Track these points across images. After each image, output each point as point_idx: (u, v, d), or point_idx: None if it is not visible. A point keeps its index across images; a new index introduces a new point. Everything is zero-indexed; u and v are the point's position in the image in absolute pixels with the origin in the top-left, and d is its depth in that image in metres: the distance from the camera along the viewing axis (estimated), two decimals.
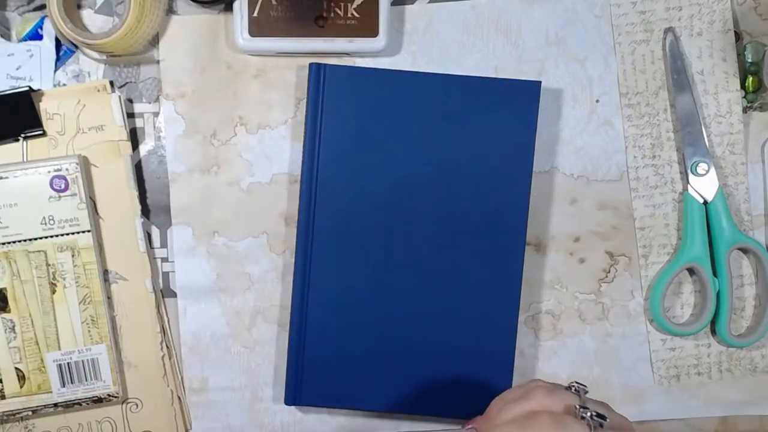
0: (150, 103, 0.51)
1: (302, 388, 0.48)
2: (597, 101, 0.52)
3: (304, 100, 0.51)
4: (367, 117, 0.46)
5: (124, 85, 0.51)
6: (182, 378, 0.51)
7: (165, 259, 0.52)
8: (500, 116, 0.47)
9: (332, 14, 0.49)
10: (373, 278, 0.46)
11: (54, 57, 0.51)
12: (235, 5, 0.49)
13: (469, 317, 0.47)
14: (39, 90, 0.50)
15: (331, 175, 0.46)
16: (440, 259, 0.46)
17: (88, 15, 0.51)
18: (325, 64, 0.47)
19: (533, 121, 0.47)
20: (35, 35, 0.51)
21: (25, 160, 0.49)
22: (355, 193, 0.46)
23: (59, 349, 0.49)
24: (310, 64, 0.47)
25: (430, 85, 0.47)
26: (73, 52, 0.51)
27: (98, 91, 0.50)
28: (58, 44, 0.51)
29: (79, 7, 0.51)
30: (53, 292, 0.49)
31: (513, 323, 0.47)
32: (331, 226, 0.46)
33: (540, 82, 0.47)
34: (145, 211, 0.51)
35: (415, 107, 0.46)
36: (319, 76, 0.47)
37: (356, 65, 0.49)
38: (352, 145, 0.46)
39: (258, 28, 0.49)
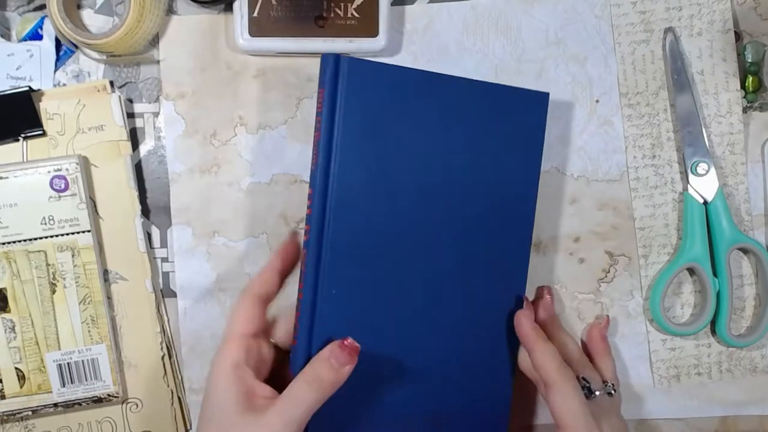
0: (150, 103, 0.51)
1: None
2: (597, 101, 0.52)
3: (304, 100, 0.51)
4: (385, 116, 0.43)
5: (124, 85, 0.51)
6: (182, 378, 0.51)
7: (165, 259, 0.52)
8: (511, 123, 0.45)
9: (332, 14, 0.49)
10: (384, 284, 0.44)
11: (54, 57, 0.51)
12: (235, 5, 0.49)
13: (474, 326, 0.46)
14: (39, 90, 0.50)
15: (347, 175, 0.43)
16: (449, 264, 0.45)
17: (88, 15, 0.51)
18: (345, 56, 0.42)
19: (541, 130, 0.46)
20: (35, 35, 0.51)
21: (25, 160, 0.49)
22: (370, 196, 0.44)
23: (59, 349, 0.49)
24: (325, 56, 0.42)
25: (446, 87, 0.44)
26: (73, 52, 0.51)
27: (98, 91, 0.50)
28: (58, 44, 0.51)
29: (79, 7, 0.51)
30: (53, 292, 0.49)
31: (512, 347, 0.46)
32: (345, 229, 0.44)
33: (548, 93, 0.46)
34: (145, 211, 0.51)
35: (431, 108, 0.44)
36: (337, 69, 0.42)
37: (375, 60, 0.45)
38: (370, 144, 0.43)
39: (258, 28, 0.49)
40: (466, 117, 0.44)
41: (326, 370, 0.39)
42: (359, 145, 0.43)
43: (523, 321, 0.44)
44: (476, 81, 0.45)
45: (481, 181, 0.45)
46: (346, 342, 0.40)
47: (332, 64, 0.42)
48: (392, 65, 0.44)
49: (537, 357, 0.43)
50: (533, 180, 0.46)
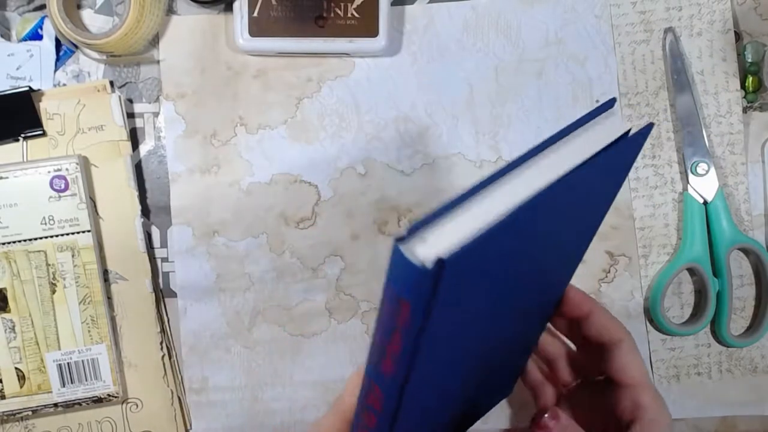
0: (150, 103, 0.51)
1: None
2: (597, 101, 0.52)
3: (304, 100, 0.51)
4: (482, 289, 0.30)
5: (124, 85, 0.51)
6: (182, 378, 0.51)
7: (165, 259, 0.52)
8: (599, 190, 0.34)
9: (332, 14, 0.49)
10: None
11: (54, 57, 0.51)
12: (235, 5, 0.49)
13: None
14: (39, 90, 0.50)
15: (431, 376, 0.31)
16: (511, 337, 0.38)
17: (88, 15, 0.51)
18: (449, 259, 0.23)
19: (625, 175, 0.35)
20: (35, 35, 0.51)
21: (25, 160, 0.49)
22: (452, 367, 0.33)
23: (59, 349, 0.49)
24: (408, 263, 0.24)
25: (545, 210, 0.29)
26: (73, 52, 0.51)
27: (98, 91, 0.50)
28: (58, 44, 0.51)
29: (79, 7, 0.51)
30: (53, 292, 0.49)
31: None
32: (418, 413, 0.33)
33: (651, 126, 0.34)
34: (145, 211, 0.51)
35: (530, 245, 0.31)
36: (438, 278, 0.24)
37: (476, 236, 0.26)
38: (463, 330, 0.31)
39: (258, 28, 0.49)
40: (565, 219, 0.32)
41: None
42: (450, 341, 0.31)
43: (574, 287, 0.39)
44: (571, 176, 0.29)
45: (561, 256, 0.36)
46: None
47: (430, 276, 0.24)
48: (491, 231, 0.25)
49: (599, 317, 0.39)
50: (593, 230, 0.36)
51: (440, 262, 0.24)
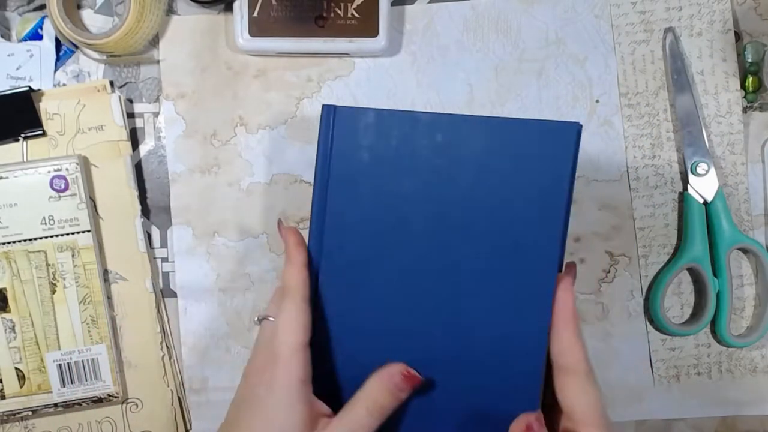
0: (150, 103, 0.52)
1: None
2: (597, 101, 0.52)
3: (304, 100, 0.51)
4: (381, 161, 0.40)
5: (124, 85, 0.51)
6: (182, 378, 0.51)
7: (165, 259, 0.52)
8: (531, 160, 0.40)
9: (332, 14, 0.49)
10: (389, 316, 0.41)
11: (54, 57, 0.51)
12: (235, 5, 0.49)
13: (493, 351, 0.43)
14: (39, 90, 0.50)
15: (342, 221, 0.40)
16: (463, 298, 0.41)
17: (88, 15, 0.51)
18: (336, 107, 0.40)
19: (569, 164, 0.39)
20: (35, 35, 0.51)
21: (25, 160, 0.49)
22: (368, 235, 0.41)
23: (59, 349, 0.49)
24: (323, 106, 0.40)
25: (450, 128, 0.40)
26: (73, 52, 0.51)
27: (98, 91, 0.50)
28: (58, 44, 0.51)
29: (79, 7, 0.51)
30: (53, 292, 0.49)
31: (540, 354, 0.40)
32: (342, 270, 0.40)
33: (580, 125, 0.39)
34: (145, 211, 0.51)
35: (434, 151, 0.40)
36: (330, 118, 0.40)
37: (370, 107, 0.41)
38: (365, 189, 0.40)
39: (258, 28, 0.49)
40: (474, 157, 0.40)
41: (388, 397, 0.36)
42: (354, 192, 0.41)
43: (569, 295, 0.38)
44: (486, 118, 0.41)
45: (495, 215, 0.41)
46: (406, 373, 0.37)
47: (326, 113, 0.40)
48: (389, 111, 0.40)
49: (570, 337, 0.37)
50: (560, 209, 0.40)
51: (333, 107, 0.40)
